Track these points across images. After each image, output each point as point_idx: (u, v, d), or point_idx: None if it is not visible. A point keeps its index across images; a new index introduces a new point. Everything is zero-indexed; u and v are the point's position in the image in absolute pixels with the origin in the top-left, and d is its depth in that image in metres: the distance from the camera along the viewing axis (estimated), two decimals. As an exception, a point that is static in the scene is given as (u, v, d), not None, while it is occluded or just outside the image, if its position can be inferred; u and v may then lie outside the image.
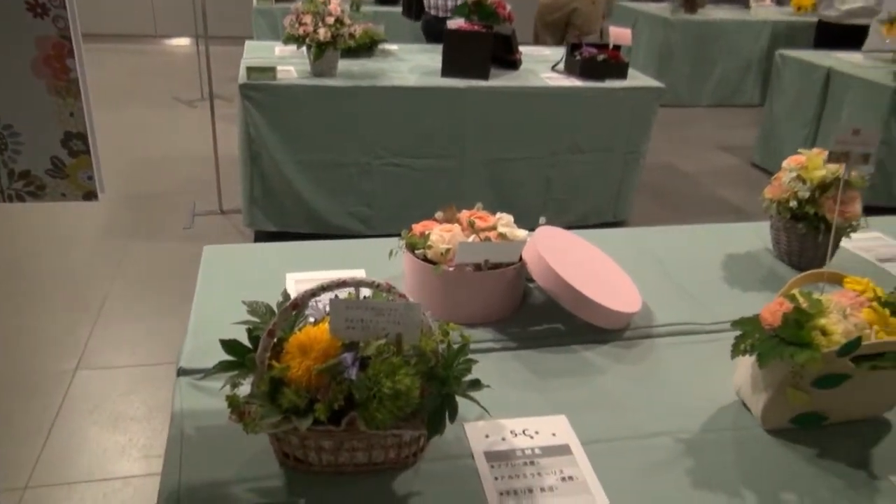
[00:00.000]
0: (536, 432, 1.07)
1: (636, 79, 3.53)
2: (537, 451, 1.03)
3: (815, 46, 4.99)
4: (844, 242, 1.67)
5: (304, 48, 3.10)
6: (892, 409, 1.14)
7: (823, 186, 1.51)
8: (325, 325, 0.93)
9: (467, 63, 3.23)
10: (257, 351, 0.92)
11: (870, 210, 1.70)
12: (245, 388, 0.93)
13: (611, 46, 3.49)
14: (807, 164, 1.54)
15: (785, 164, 1.60)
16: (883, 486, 1.01)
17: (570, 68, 3.51)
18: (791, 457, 1.06)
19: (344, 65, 3.29)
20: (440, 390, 0.92)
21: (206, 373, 1.02)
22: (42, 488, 2.00)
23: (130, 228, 3.51)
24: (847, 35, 4.86)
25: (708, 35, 6.17)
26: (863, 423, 1.13)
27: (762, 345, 1.04)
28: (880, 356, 0.99)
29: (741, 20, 6.31)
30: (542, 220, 1.42)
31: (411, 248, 1.33)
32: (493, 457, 1.02)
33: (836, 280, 1.17)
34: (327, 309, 0.93)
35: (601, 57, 3.42)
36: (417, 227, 1.36)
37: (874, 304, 1.06)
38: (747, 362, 1.14)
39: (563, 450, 1.04)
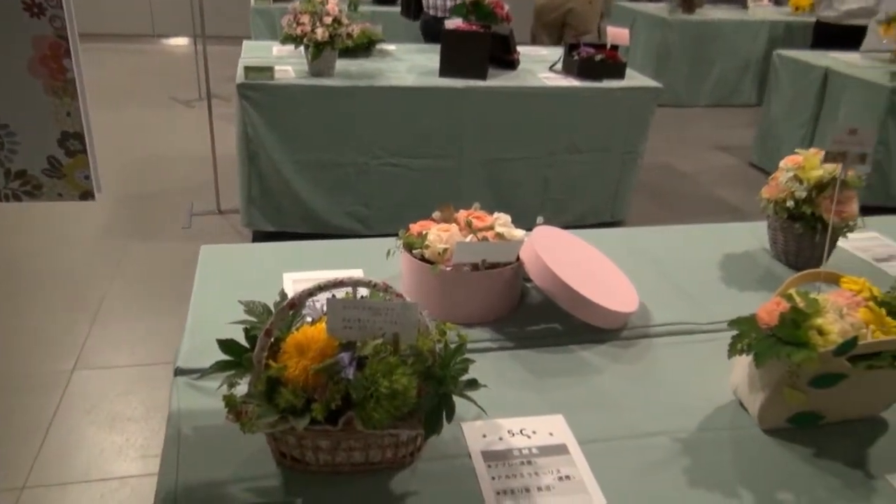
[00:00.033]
0: (534, 432, 1.07)
1: (634, 79, 3.53)
2: (534, 450, 1.03)
3: (813, 47, 5.00)
4: (841, 242, 1.67)
5: (301, 48, 3.10)
6: (888, 409, 1.14)
7: (820, 186, 1.52)
8: (323, 325, 0.93)
9: (465, 63, 3.23)
10: (254, 350, 0.92)
11: (867, 210, 1.70)
12: (242, 388, 0.93)
13: (608, 46, 3.49)
14: (804, 164, 1.55)
15: (782, 164, 1.60)
16: (879, 486, 1.01)
17: (568, 68, 3.51)
18: (788, 456, 1.06)
19: (342, 65, 3.29)
20: (437, 390, 0.92)
21: (203, 372, 1.02)
22: (39, 488, 2.00)
23: (128, 228, 3.51)
24: (845, 35, 4.87)
25: (706, 35, 6.18)
26: (859, 423, 1.13)
27: (759, 344, 1.04)
28: (876, 356, 1.00)
29: (739, 20, 6.31)
30: (539, 219, 1.42)
31: (409, 247, 1.33)
32: (491, 456, 1.02)
33: (833, 280, 1.17)
34: (324, 308, 0.93)
35: (599, 57, 3.42)
36: (415, 227, 1.36)
37: (871, 303, 1.07)
38: (744, 362, 1.14)
39: (561, 449, 1.04)
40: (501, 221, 1.37)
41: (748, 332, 1.07)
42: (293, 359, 0.91)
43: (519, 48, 3.63)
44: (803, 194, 1.52)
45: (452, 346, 0.95)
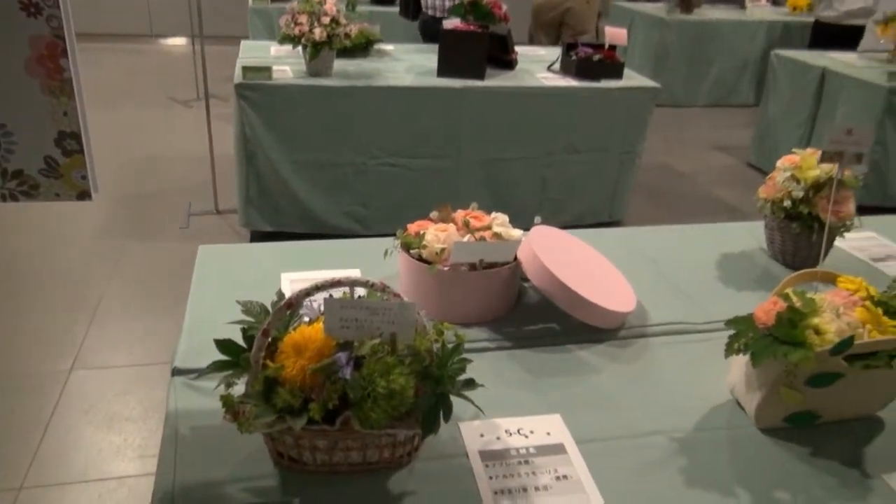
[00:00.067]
0: (531, 431, 1.07)
1: (632, 79, 3.54)
2: (532, 450, 1.04)
3: (811, 46, 5.00)
4: (839, 242, 1.68)
5: (299, 48, 3.10)
6: (884, 408, 1.14)
7: (817, 186, 1.52)
8: (320, 325, 0.93)
9: (463, 63, 3.23)
10: (252, 350, 0.92)
11: (865, 210, 1.70)
12: (240, 388, 0.94)
13: (606, 46, 3.50)
14: (801, 164, 1.55)
15: (779, 163, 1.60)
16: (875, 485, 1.02)
17: (566, 68, 3.51)
18: (785, 455, 1.06)
19: (339, 65, 3.28)
20: (435, 390, 0.92)
21: (200, 372, 1.02)
22: (37, 488, 2.00)
23: (126, 228, 3.50)
24: (842, 35, 4.88)
25: (704, 35, 6.18)
26: (856, 422, 1.13)
27: (756, 344, 1.04)
28: (873, 355, 1.00)
29: (737, 20, 6.32)
30: (537, 219, 1.42)
31: (406, 247, 1.33)
32: (488, 456, 1.02)
33: (830, 279, 1.17)
34: (322, 308, 0.93)
35: (597, 57, 3.42)
36: (412, 227, 1.36)
37: (867, 303, 1.07)
38: (741, 361, 1.14)
39: (558, 449, 1.04)
40: (499, 221, 1.38)
41: (745, 331, 1.07)
42: (290, 359, 0.91)
43: (517, 48, 3.63)
44: (800, 194, 1.52)
45: (450, 345, 0.95)
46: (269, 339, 0.93)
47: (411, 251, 1.32)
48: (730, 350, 1.07)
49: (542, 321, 1.35)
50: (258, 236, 3.32)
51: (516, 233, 1.37)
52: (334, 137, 3.15)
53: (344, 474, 0.96)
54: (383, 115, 3.15)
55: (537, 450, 1.04)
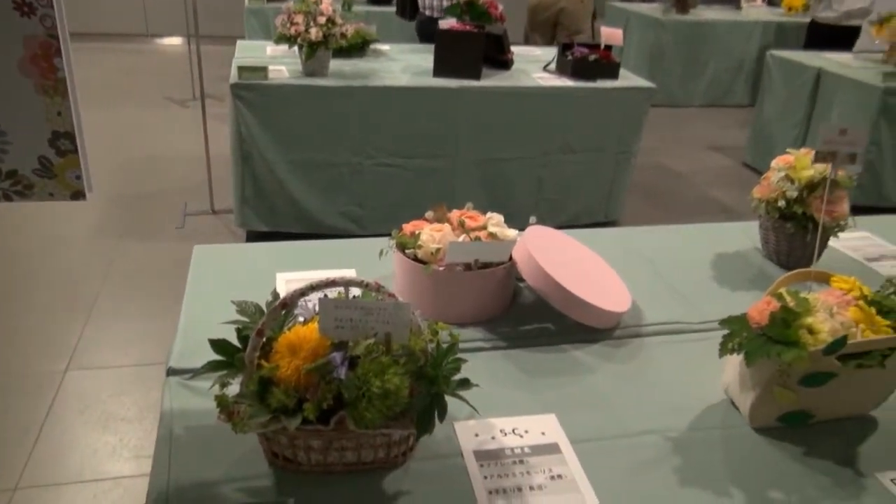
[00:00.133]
0: (526, 431, 1.07)
1: (628, 79, 3.54)
2: (527, 449, 1.04)
3: (806, 47, 5.01)
4: (833, 242, 1.68)
5: (295, 48, 3.09)
6: (877, 407, 1.15)
7: (811, 186, 1.52)
8: (315, 325, 0.93)
9: (459, 63, 3.24)
10: (246, 350, 0.92)
11: (860, 210, 1.71)
12: (234, 388, 0.93)
13: (602, 46, 3.50)
14: (795, 164, 1.55)
15: (773, 163, 1.61)
16: (869, 484, 1.02)
17: (562, 68, 3.52)
18: (778, 455, 1.07)
19: (335, 65, 3.28)
20: (429, 389, 0.92)
21: (195, 372, 1.02)
22: (32, 489, 1.99)
23: (122, 228, 3.50)
24: (838, 36, 4.89)
25: (699, 35, 6.19)
26: (849, 421, 1.14)
27: (749, 344, 1.04)
28: (866, 354, 1.00)
29: (732, 21, 6.33)
30: (532, 219, 1.42)
31: (401, 247, 1.33)
32: (483, 456, 1.02)
33: (823, 279, 1.18)
34: (317, 308, 0.93)
35: (593, 57, 3.43)
36: (408, 227, 1.36)
37: (860, 302, 1.07)
38: (735, 361, 1.14)
39: (553, 448, 1.04)
40: (494, 221, 1.38)
41: (739, 331, 1.08)
42: (285, 359, 0.91)
43: (513, 48, 3.63)
44: (794, 194, 1.53)
45: (444, 345, 0.95)
46: (264, 339, 0.92)
47: (406, 251, 1.32)
48: (724, 350, 1.08)
49: (538, 321, 1.35)
50: (254, 236, 3.31)
51: (511, 233, 1.37)
52: (330, 137, 3.15)
53: (339, 474, 0.96)
54: (379, 115, 3.15)
55: (532, 449, 1.04)
